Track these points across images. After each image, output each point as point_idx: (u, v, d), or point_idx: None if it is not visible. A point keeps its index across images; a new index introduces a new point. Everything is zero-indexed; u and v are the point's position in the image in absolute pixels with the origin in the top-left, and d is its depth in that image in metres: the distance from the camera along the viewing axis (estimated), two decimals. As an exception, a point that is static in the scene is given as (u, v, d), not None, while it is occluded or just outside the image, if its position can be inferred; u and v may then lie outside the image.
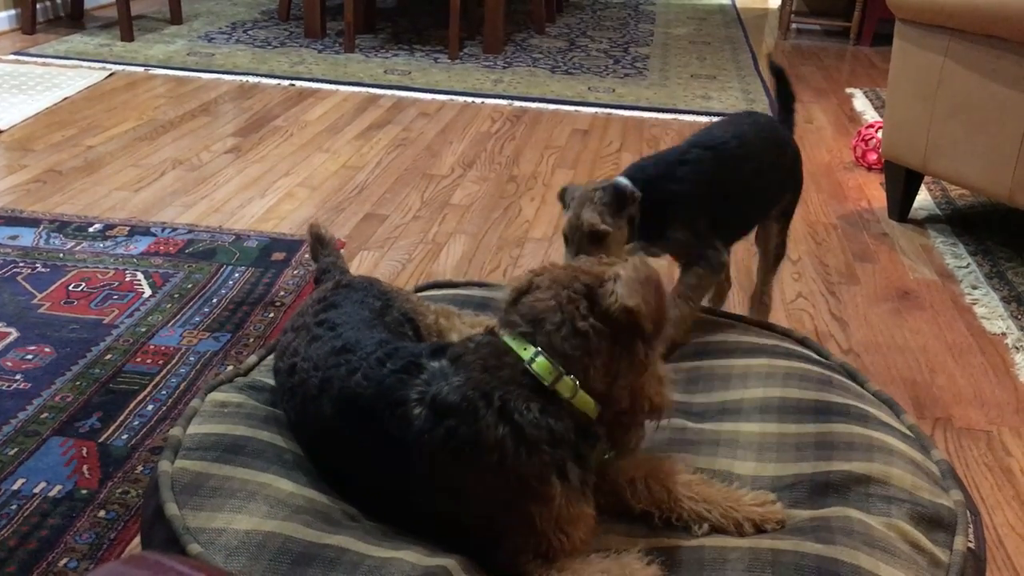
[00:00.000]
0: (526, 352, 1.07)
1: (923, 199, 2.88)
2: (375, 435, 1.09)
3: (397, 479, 1.09)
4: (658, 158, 1.67)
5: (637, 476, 1.18)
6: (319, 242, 1.54)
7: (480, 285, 1.77)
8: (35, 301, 2.00)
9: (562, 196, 1.64)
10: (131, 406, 1.66)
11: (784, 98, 1.92)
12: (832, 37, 5.48)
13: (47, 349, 1.82)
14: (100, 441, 1.56)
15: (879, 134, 3.05)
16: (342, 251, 2.35)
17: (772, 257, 1.89)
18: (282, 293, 2.09)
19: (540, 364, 1.06)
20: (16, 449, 1.53)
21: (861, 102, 4.00)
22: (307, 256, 2.27)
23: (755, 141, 1.71)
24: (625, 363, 1.10)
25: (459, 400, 1.04)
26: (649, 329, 1.08)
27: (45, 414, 1.62)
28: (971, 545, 1.13)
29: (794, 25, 5.66)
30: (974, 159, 2.39)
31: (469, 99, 3.79)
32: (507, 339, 1.10)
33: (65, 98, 3.51)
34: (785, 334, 1.62)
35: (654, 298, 1.07)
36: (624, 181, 1.56)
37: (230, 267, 2.20)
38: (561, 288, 1.10)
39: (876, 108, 3.86)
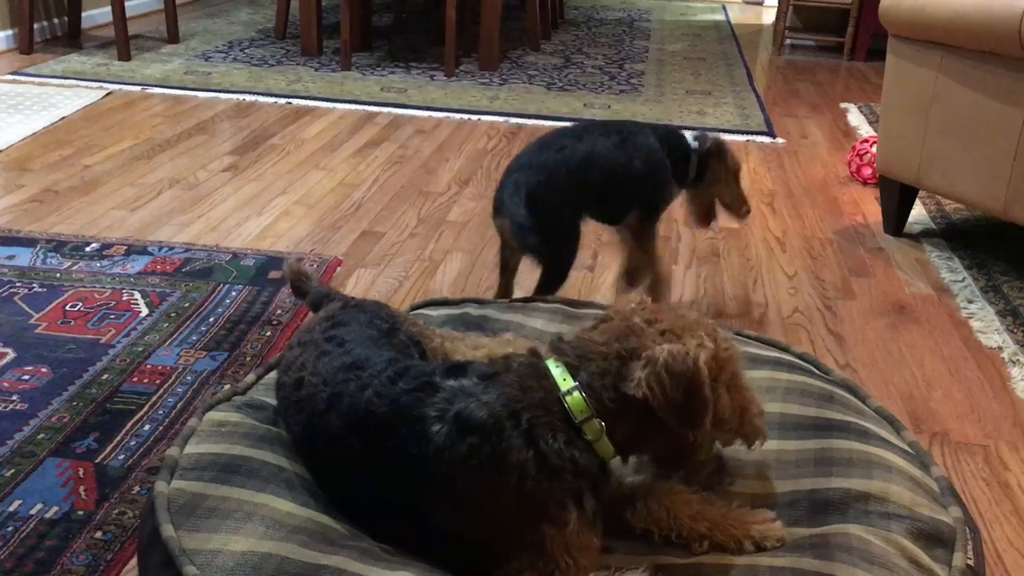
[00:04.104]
0: (565, 383, 1.08)
1: (918, 213, 2.89)
2: (389, 452, 1.10)
3: (407, 494, 1.10)
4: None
5: (637, 496, 1.18)
6: (303, 276, 1.54)
7: (476, 302, 1.77)
8: (32, 321, 2.00)
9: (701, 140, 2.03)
10: (128, 426, 1.66)
11: None
12: (826, 52, 5.51)
13: (44, 369, 1.82)
14: (97, 462, 1.56)
15: (873, 149, 3.06)
16: (339, 269, 2.35)
17: None
18: (279, 312, 2.09)
19: (574, 400, 1.07)
20: (13, 470, 1.52)
21: (855, 117, 4.02)
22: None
23: None
24: (654, 432, 1.09)
25: (486, 417, 1.05)
26: (668, 420, 1.05)
27: (42, 435, 1.62)
28: (970, 562, 1.13)
29: (788, 41, 5.70)
30: (968, 173, 2.40)
31: (465, 116, 3.80)
32: (550, 364, 1.11)
33: (62, 118, 3.52)
34: (784, 349, 1.62)
35: (681, 394, 1.03)
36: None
37: (227, 286, 2.20)
38: (614, 340, 1.09)
39: (870, 123, 3.88)
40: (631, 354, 1.07)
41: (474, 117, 3.80)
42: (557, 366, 1.10)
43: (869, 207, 2.97)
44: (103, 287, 2.17)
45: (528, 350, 1.17)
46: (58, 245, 2.38)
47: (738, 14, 6.82)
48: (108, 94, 3.87)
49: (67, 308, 2.06)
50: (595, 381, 1.08)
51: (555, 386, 1.08)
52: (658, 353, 1.05)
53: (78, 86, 3.93)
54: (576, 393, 1.07)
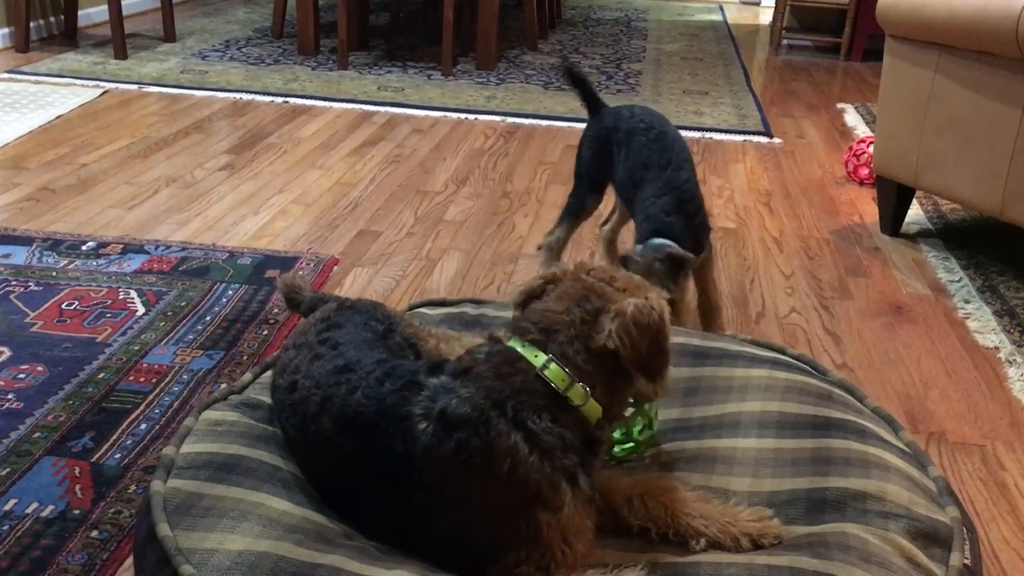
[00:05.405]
0: (537, 359, 1.10)
1: (915, 213, 2.89)
2: (377, 452, 1.10)
3: (399, 495, 1.09)
4: (674, 201, 1.89)
5: (634, 494, 1.18)
6: (295, 290, 1.53)
7: (474, 302, 1.77)
8: (28, 320, 1.99)
9: (625, 265, 1.81)
10: (124, 425, 1.65)
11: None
12: (823, 53, 5.51)
13: (40, 368, 1.82)
14: (93, 460, 1.55)
15: (870, 149, 3.06)
16: (336, 267, 2.35)
17: None
18: (276, 310, 2.09)
19: (553, 371, 1.09)
20: (8, 469, 1.52)
21: (852, 117, 4.02)
22: (300, 273, 2.27)
23: None
24: (623, 385, 1.13)
25: (470, 411, 1.06)
26: (633, 371, 1.11)
27: (37, 433, 1.62)
28: (967, 561, 1.13)
29: (785, 41, 5.70)
30: (965, 174, 2.41)
31: (462, 115, 3.80)
32: (517, 346, 1.12)
33: (58, 116, 3.51)
34: (781, 351, 1.62)
35: (647, 346, 1.09)
36: (672, 246, 1.80)
37: (224, 284, 2.20)
38: (574, 304, 1.13)
39: (867, 123, 3.89)
40: (595, 315, 1.12)
41: (471, 116, 3.79)
42: (524, 346, 1.12)
43: (866, 207, 2.97)
44: (99, 285, 2.16)
45: (488, 338, 1.17)
46: (54, 243, 2.38)
47: (735, 14, 6.82)
48: (104, 92, 3.86)
49: (63, 306, 2.06)
50: (566, 349, 1.11)
51: (530, 365, 1.10)
52: (625, 306, 1.10)
53: (74, 84, 3.92)
54: (552, 365, 1.09)
